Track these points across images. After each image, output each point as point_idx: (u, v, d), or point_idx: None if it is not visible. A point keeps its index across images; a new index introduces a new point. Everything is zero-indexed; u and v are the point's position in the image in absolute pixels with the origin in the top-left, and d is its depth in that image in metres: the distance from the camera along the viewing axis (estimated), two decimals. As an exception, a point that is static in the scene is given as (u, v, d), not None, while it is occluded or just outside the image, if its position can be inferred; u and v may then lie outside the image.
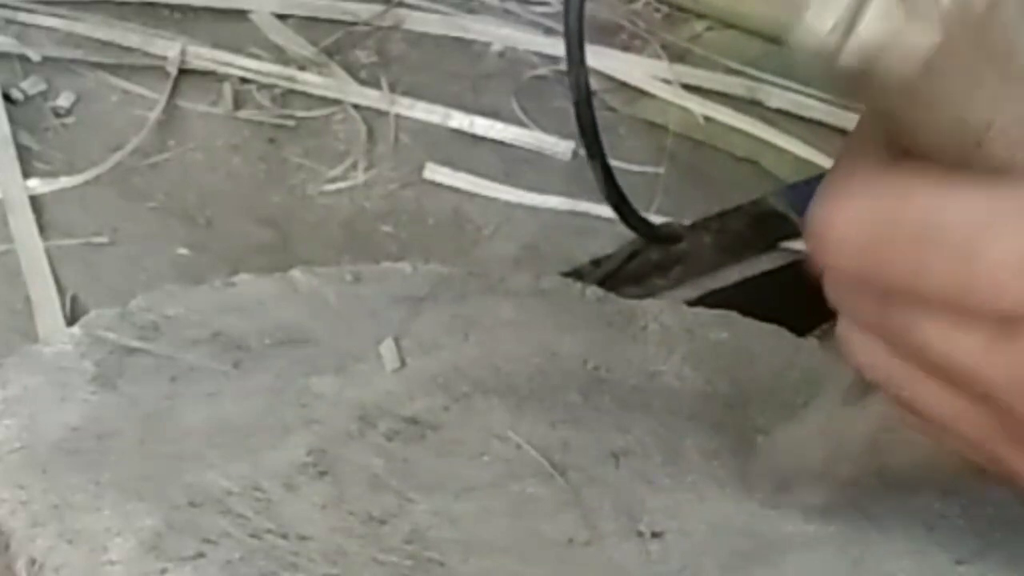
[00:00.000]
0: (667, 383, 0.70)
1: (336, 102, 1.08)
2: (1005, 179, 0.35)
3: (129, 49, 1.10)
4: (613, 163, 0.92)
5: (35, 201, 0.96)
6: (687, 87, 1.11)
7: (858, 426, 0.53)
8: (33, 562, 0.56)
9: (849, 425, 0.53)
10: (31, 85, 1.06)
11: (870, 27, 0.34)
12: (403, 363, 0.69)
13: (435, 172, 1.03)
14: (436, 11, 1.18)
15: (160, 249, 0.94)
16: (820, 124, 1.09)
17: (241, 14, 1.15)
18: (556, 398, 0.68)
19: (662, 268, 0.95)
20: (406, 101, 1.08)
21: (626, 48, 1.16)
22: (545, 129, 1.07)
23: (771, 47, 1.14)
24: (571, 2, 0.86)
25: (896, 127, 0.38)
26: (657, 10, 1.20)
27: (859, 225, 0.37)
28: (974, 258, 0.35)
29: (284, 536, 0.58)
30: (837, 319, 0.42)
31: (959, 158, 0.36)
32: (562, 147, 1.05)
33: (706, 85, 1.12)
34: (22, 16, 1.11)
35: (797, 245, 0.98)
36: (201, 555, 0.56)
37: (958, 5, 0.33)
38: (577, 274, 0.87)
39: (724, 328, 0.75)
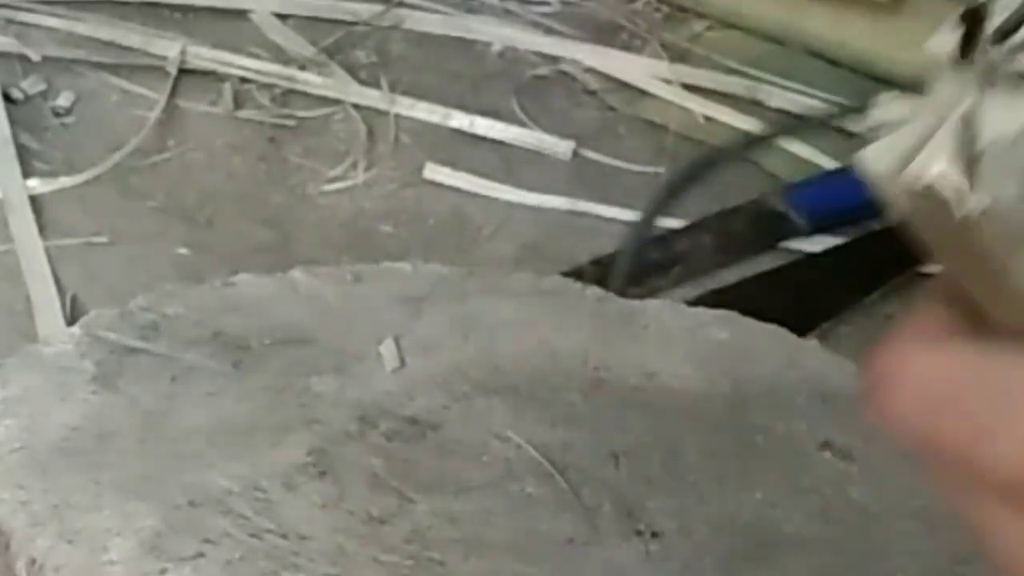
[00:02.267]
0: (667, 383, 0.70)
1: (336, 102, 1.08)
2: None
3: (129, 49, 1.10)
4: (613, 163, 0.92)
5: (35, 201, 0.96)
6: (687, 87, 1.11)
7: None
8: (33, 562, 0.56)
9: None
10: (31, 85, 1.06)
11: (919, 171, 0.32)
12: (403, 363, 0.69)
13: (435, 172, 1.02)
14: (436, 11, 1.18)
15: (160, 249, 0.94)
16: (820, 124, 1.09)
17: (241, 14, 1.15)
18: (556, 398, 0.68)
19: (662, 268, 0.94)
20: (406, 101, 1.08)
21: (626, 48, 1.16)
22: (545, 129, 1.07)
23: (771, 47, 1.14)
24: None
25: (952, 275, 0.36)
26: (657, 10, 1.20)
27: (930, 382, 0.35)
28: None
29: (284, 536, 0.58)
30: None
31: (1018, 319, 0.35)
32: (562, 147, 1.05)
33: (706, 85, 1.12)
34: (22, 16, 1.11)
35: (797, 245, 0.98)
36: (201, 555, 0.56)
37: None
38: (577, 274, 0.87)
39: (724, 328, 0.75)
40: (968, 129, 0.31)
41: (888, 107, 0.33)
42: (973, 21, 0.32)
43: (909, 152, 0.32)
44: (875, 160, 0.33)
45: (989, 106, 0.31)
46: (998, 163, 0.31)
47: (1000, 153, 0.31)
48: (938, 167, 0.32)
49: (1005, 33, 0.31)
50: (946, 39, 0.33)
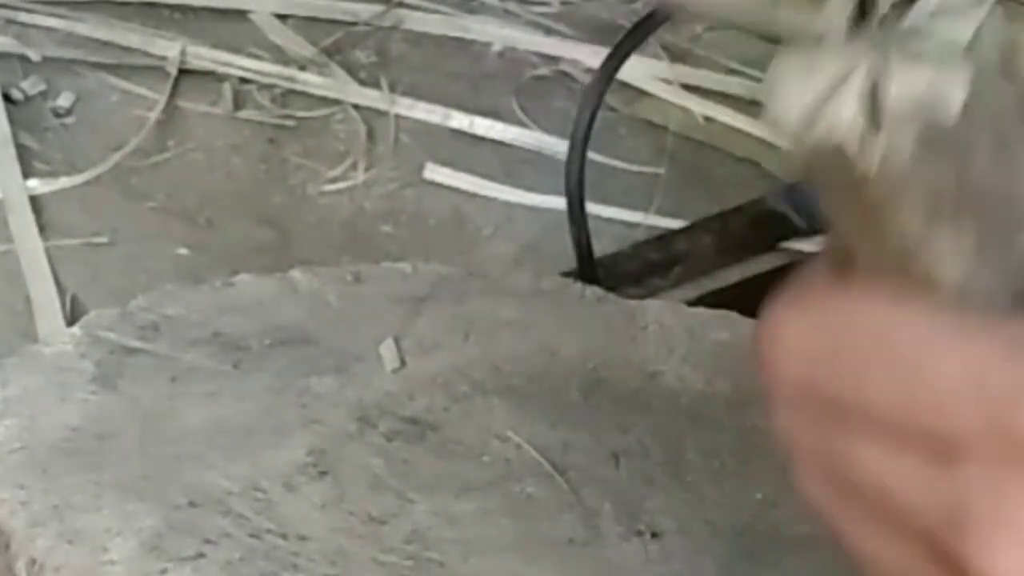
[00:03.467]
0: (667, 383, 0.70)
1: (336, 102, 1.08)
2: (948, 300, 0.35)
3: (129, 49, 1.10)
4: (613, 163, 0.92)
5: (35, 201, 0.96)
6: (687, 87, 1.11)
7: None
8: (33, 562, 0.56)
9: None
10: (31, 85, 1.06)
11: (829, 122, 0.34)
12: (403, 363, 0.69)
13: (435, 172, 1.02)
14: (436, 11, 1.18)
15: (160, 249, 0.94)
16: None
17: (241, 14, 1.15)
18: (556, 398, 0.68)
19: (662, 268, 0.95)
20: (406, 101, 1.08)
21: (626, 48, 1.16)
22: (545, 129, 1.07)
23: (771, 47, 1.14)
24: (572, 163, 0.86)
25: (842, 229, 0.38)
26: (657, 10, 1.20)
27: (806, 337, 0.36)
28: (917, 377, 0.35)
29: (284, 536, 0.58)
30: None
31: (895, 270, 0.36)
32: (562, 147, 1.05)
33: (706, 85, 1.12)
34: (22, 16, 1.11)
35: (797, 245, 0.98)
36: (201, 555, 0.56)
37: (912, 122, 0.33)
38: (577, 274, 0.87)
39: (724, 328, 0.75)
40: (871, 88, 0.33)
41: (788, 65, 0.35)
42: None
43: (813, 105, 0.34)
44: (781, 111, 0.34)
45: (892, 70, 0.33)
46: (896, 121, 0.33)
47: (899, 113, 0.33)
48: (845, 118, 0.33)
49: (899, 5, 0.33)
50: (842, 4, 0.34)
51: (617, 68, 0.89)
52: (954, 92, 0.33)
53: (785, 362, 0.37)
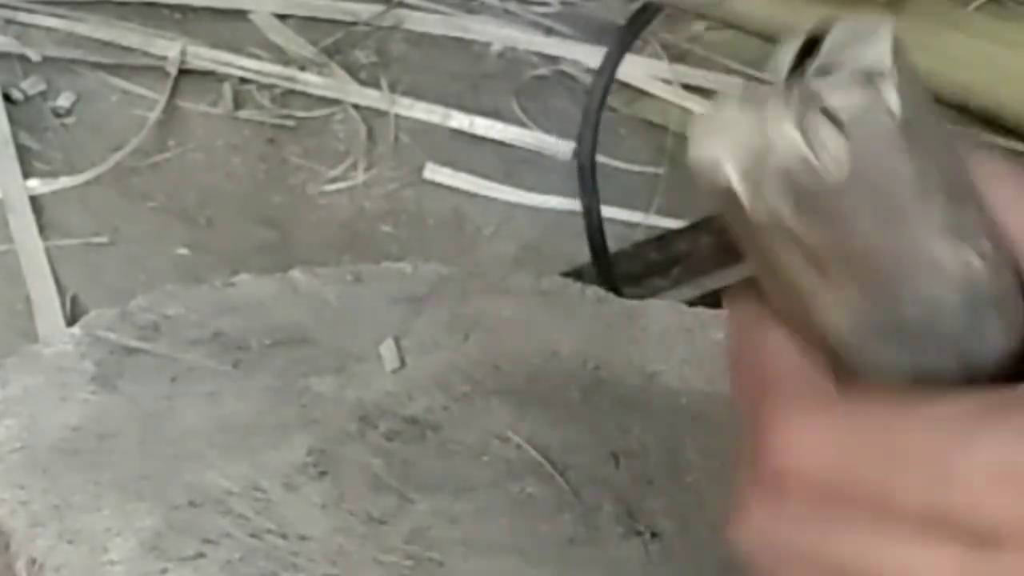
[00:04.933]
0: (667, 383, 0.70)
1: (336, 102, 1.08)
2: (974, 390, 0.36)
3: (129, 49, 1.10)
4: (613, 163, 0.92)
5: (35, 201, 0.96)
6: (687, 87, 1.11)
7: None
8: (33, 562, 0.56)
9: None
10: (31, 85, 1.06)
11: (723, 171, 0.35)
12: (403, 363, 0.69)
13: (435, 172, 1.03)
14: (436, 11, 1.18)
15: (160, 249, 0.94)
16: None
17: (241, 14, 1.15)
18: (556, 398, 0.68)
19: (662, 268, 0.95)
20: (406, 101, 1.08)
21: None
22: (545, 129, 1.07)
23: (771, 47, 1.14)
24: (583, 144, 0.87)
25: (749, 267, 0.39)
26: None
27: (822, 452, 0.36)
28: (947, 473, 0.34)
29: (284, 536, 0.58)
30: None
31: (793, 314, 0.37)
32: (562, 147, 1.05)
33: (706, 85, 1.12)
34: (22, 16, 1.11)
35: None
36: (201, 555, 0.56)
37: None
38: (577, 274, 0.87)
39: (724, 328, 0.75)
40: (761, 142, 0.35)
41: (719, 108, 0.36)
42: (812, 43, 0.35)
43: (718, 152, 0.35)
44: (692, 151, 0.36)
45: (778, 127, 0.34)
46: (777, 180, 0.34)
47: (779, 172, 0.34)
48: (737, 168, 0.35)
49: (822, 69, 0.35)
50: (787, 53, 0.36)
51: (624, 50, 0.90)
52: (836, 153, 0.34)
53: (800, 480, 0.36)
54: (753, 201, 0.35)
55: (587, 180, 0.88)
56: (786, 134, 0.34)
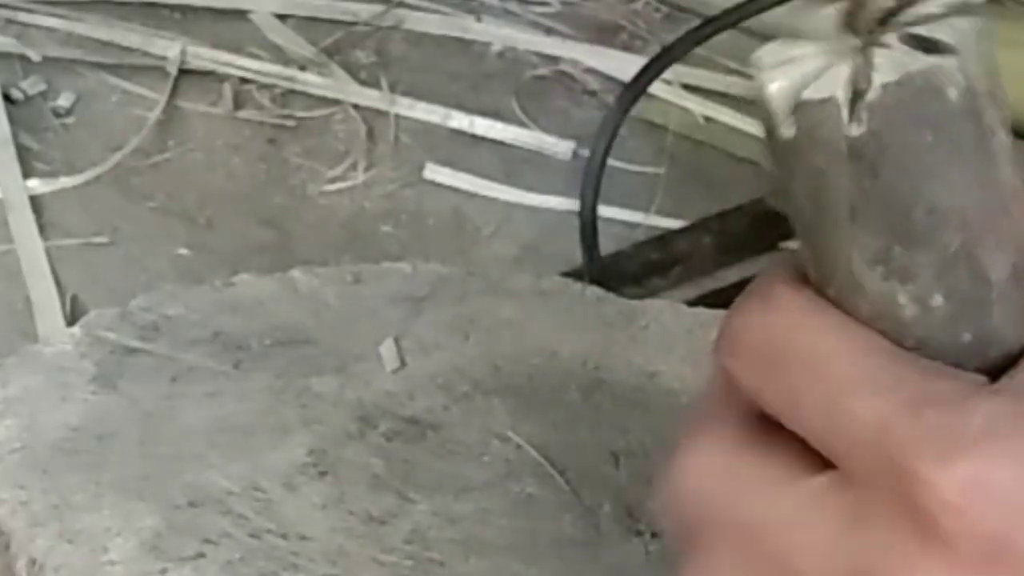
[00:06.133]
0: (667, 383, 0.70)
1: (336, 102, 1.08)
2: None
3: (129, 49, 1.10)
4: (613, 163, 0.92)
5: (35, 201, 0.96)
6: (687, 87, 1.11)
7: None
8: (33, 562, 0.56)
9: None
10: (31, 85, 1.06)
11: (818, 88, 0.34)
12: (403, 363, 0.69)
13: (435, 172, 1.02)
14: (436, 11, 1.18)
15: (160, 249, 0.94)
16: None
17: (241, 14, 1.15)
18: (556, 398, 0.68)
19: (662, 268, 0.94)
20: (406, 101, 1.08)
21: (626, 48, 1.16)
22: (545, 129, 1.07)
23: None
24: (590, 172, 0.87)
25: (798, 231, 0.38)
26: (657, 10, 1.20)
27: (758, 344, 0.37)
28: (837, 407, 0.35)
29: (284, 536, 0.58)
30: None
31: (844, 289, 0.37)
32: (562, 147, 1.05)
33: (706, 85, 1.12)
34: (22, 16, 1.11)
35: (797, 245, 0.98)
36: (201, 555, 0.56)
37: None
38: (577, 274, 0.87)
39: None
40: (859, 71, 0.34)
41: (778, 49, 0.35)
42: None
43: (803, 80, 0.35)
44: (771, 80, 0.35)
45: (878, 58, 0.34)
46: (880, 104, 0.33)
47: (884, 96, 0.33)
48: (836, 87, 0.34)
49: (890, 12, 0.34)
50: (832, 8, 0.35)
51: (650, 82, 0.90)
52: (955, 83, 0.33)
53: (739, 363, 0.37)
54: (854, 130, 0.34)
55: (589, 189, 0.88)
56: (899, 63, 0.33)
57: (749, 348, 0.37)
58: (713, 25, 0.91)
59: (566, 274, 0.85)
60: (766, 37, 0.37)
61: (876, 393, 0.35)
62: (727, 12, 0.90)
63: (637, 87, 0.90)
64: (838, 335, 0.36)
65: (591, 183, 0.87)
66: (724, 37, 1.16)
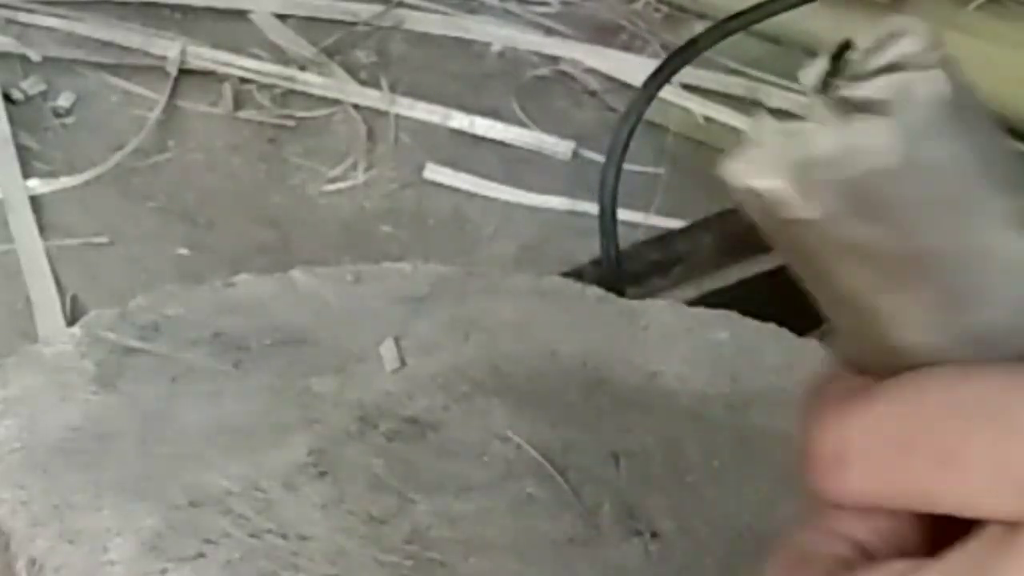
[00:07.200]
0: (667, 383, 0.70)
1: (336, 102, 1.08)
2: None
3: (129, 49, 1.10)
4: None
5: (35, 201, 0.96)
6: (687, 87, 1.11)
7: None
8: (33, 562, 0.56)
9: None
10: (31, 85, 1.06)
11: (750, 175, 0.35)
12: (403, 363, 0.69)
13: (435, 172, 1.03)
14: (436, 11, 1.18)
15: (160, 249, 0.94)
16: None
17: (241, 14, 1.15)
18: (556, 398, 0.68)
19: (662, 268, 0.94)
20: (406, 101, 1.08)
21: (626, 48, 1.16)
22: (545, 129, 1.07)
23: (771, 47, 1.14)
24: (607, 177, 0.87)
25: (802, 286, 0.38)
26: (657, 10, 1.21)
27: (878, 440, 0.36)
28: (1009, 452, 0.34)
29: (284, 536, 0.58)
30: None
31: (853, 330, 0.37)
32: (562, 147, 1.05)
33: (706, 85, 1.12)
34: (22, 16, 1.11)
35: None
36: (201, 555, 0.56)
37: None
38: (577, 274, 0.87)
39: (724, 328, 0.75)
40: (804, 145, 0.34)
41: (758, 126, 0.35)
42: (840, 54, 0.35)
43: (759, 160, 0.35)
44: (731, 166, 0.36)
45: (822, 127, 0.34)
46: (824, 178, 0.34)
47: (825, 169, 0.34)
48: (768, 176, 0.35)
49: (855, 74, 0.34)
50: (816, 68, 0.35)
51: (662, 84, 0.90)
52: (887, 147, 0.33)
53: (855, 479, 0.37)
54: (813, 211, 0.34)
55: (607, 194, 0.88)
56: (833, 133, 0.33)
57: (865, 450, 0.36)
58: (726, 27, 0.91)
59: (566, 274, 0.85)
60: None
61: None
62: (740, 14, 0.90)
63: (651, 88, 0.90)
64: (988, 380, 0.35)
65: (609, 187, 0.87)
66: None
